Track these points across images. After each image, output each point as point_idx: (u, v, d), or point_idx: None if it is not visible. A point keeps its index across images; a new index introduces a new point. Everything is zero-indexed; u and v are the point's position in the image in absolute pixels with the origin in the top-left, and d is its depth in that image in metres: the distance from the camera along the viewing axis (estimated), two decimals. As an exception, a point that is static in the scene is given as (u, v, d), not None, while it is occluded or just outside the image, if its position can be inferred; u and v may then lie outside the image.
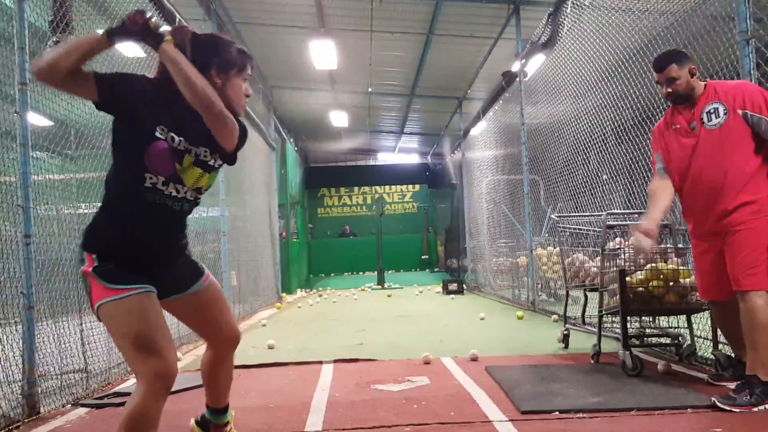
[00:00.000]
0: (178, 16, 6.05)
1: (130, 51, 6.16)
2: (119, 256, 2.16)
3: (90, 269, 2.14)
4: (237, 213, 9.21)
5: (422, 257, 21.14)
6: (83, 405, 3.80)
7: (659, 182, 3.60)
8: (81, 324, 4.42)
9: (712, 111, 3.34)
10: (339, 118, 16.38)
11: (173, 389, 2.29)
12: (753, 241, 3.19)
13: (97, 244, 2.18)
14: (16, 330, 3.59)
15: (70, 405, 3.80)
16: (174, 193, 2.22)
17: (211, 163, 2.31)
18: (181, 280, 2.40)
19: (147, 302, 2.14)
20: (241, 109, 2.36)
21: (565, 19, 6.97)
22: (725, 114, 3.29)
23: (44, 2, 4.13)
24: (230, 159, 2.40)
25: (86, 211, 5.27)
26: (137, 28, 2.12)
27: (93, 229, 2.23)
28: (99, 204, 2.28)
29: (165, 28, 2.20)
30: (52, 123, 4.86)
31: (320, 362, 4.99)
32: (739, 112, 3.25)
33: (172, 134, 2.19)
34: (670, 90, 3.44)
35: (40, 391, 3.59)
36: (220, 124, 2.20)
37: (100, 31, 2.13)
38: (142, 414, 2.06)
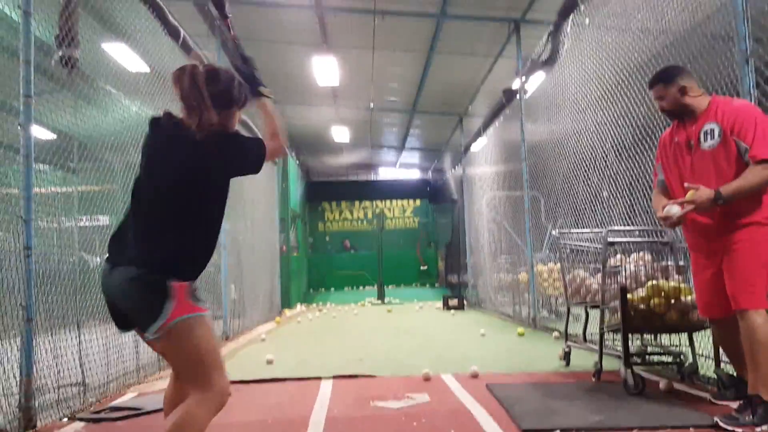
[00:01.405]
0: (182, 32, 6.10)
1: (133, 66, 6.21)
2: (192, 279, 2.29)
3: (179, 284, 2.19)
4: (237, 227, 9.21)
5: (421, 267, 21.07)
6: (80, 419, 3.78)
7: (660, 197, 3.65)
8: (79, 337, 4.41)
9: (708, 131, 3.37)
10: (341, 133, 16.43)
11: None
12: (750, 259, 3.19)
13: (185, 270, 2.25)
14: (14, 343, 3.58)
15: (66, 419, 3.77)
16: None
17: None
18: None
19: (211, 324, 2.31)
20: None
21: (565, 38, 7.01)
22: (720, 136, 3.31)
23: (50, 16, 4.17)
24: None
25: (87, 224, 5.28)
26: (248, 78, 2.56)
27: (182, 257, 2.27)
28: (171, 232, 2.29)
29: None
30: (55, 136, 4.88)
31: (319, 378, 4.96)
32: (732, 137, 3.27)
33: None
34: (660, 106, 3.54)
35: (37, 405, 3.57)
36: (276, 158, 2.70)
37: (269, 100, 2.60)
38: (201, 427, 2.14)
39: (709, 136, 3.35)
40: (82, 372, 4.33)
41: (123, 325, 2.34)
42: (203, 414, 2.14)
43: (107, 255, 2.33)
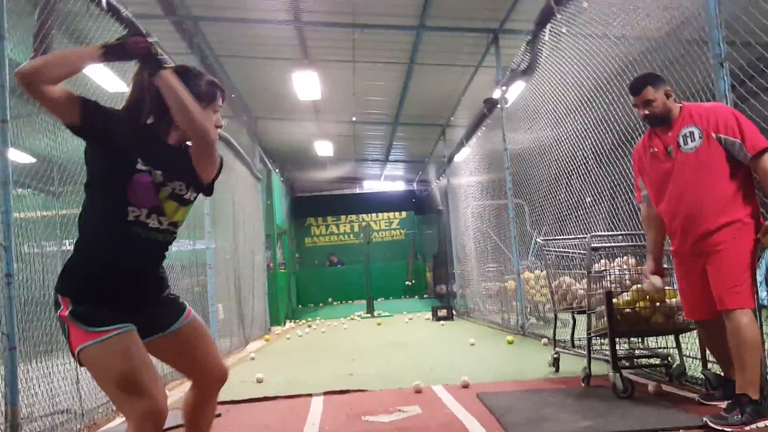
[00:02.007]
0: (159, 49, 6.07)
1: (111, 86, 6.18)
2: (97, 296, 2.12)
3: (66, 313, 2.09)
4: (223, 245, 9.16)
5: (406, 282, 21.05)
6: (68, 446, 3.72)
7: (648, 211, 3.70)
8: (68, 364, 4.35)
9: (687, 134, 3.40)
10: (324, 148, 16.44)
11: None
12: (735, 259, 3.22)
13: (72, 287, 2.14)
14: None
15: (54, 447, 3.71)
16: (156, 225, 2.21)
17: (186, 196, 2.30)
18: (162, 318, 2.31)
19: (129, 341, 2.09)
20: (213, 139, 2.34)
21: (543, 47, 7.09)
22: (701, 137, 3.34)
23: (24, 38, 4.14)
24: (207, 190, 2.40)
25: (71, 247, 5.22)
26: (140, 51, 2.15)
27: (68, 271, 2.18)
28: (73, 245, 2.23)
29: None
30: (34, 160, 4.84)
31: (310, 395, 4.92)
32: (714, 135, 3.30)
33: (150, 167, 2.18)
34: (647, 112, 3.51)
35: (23, 434, 3.51)
36: (209, 154, 2.25)
37: (93, 47, 2.14)
38: None
39: (689, 139, 3.39)
40: (80, 398, 4.27)
41: None
42: None
43: None
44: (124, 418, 4.46)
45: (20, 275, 3.76)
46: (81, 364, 2.11)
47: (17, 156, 4.86)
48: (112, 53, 2.15)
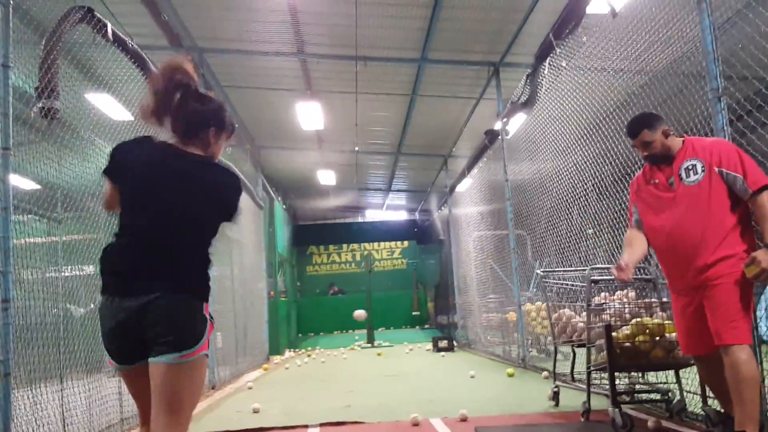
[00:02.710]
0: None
1: (116, 114, 6.25)
2: None
3: (209, 314, 2.25)
4: (224, 273, 9.14)
5: (413, 313, 20.96)
6: (59, 476, 3.67)
7: (634, 232, 3.69)
8: (61, 391, 4.32)
9: (690, 167, 3.41)
10: (327, 177, 16.51)
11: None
12: (732, 294, 3.20)
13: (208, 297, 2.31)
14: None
15: (44, 476, 3.66)
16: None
17: None
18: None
19: None
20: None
21: (543, 80, 7.16)
22: (703, 171, 3.36)
23: (30, 67, 4.20)
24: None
25: (70, 273, 5.23)
26: None
27: (206, 284, 2.32)
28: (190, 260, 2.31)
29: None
30: (38, 186, 4.87)
31: (306, 426, 4.87)
32: (716, 169, 3.32)
33: None
34: (646, 153, 3.54)
35: (14, 463, 3.47)
36: None
37: None
38: None
39: (691, 172, 3.40)
40: (63, 426, 4.22)
41: (129, 357, 2.24)
42: None
43: (118, 285, 2.25)
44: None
45: (19, 301, 3.76)
46: (187, 366, 2.16)
47: (20, 182, 4.90)
48: None
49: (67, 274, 5.23)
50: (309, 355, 13.34)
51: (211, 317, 2.29)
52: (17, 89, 3.96)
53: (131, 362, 2.24)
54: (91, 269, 5.28)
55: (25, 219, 4.63)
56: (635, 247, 3.63)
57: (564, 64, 6.44)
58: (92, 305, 5.12)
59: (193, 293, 2.24)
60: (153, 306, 2.16)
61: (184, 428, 2.15)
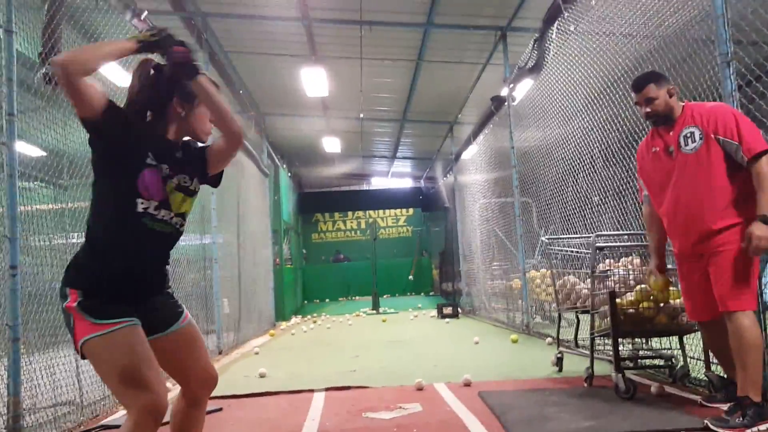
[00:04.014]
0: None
1: (121, 81, 6.19)
2: (106, 290, 2.14)
3: (74, 305, 2.10)
4: (230, 240, 9.18)
5: (409, 277, 21.07)
6: (70, 438, 3.75)
7: (649, 210, 3.72)
8: (73, 355, 4.38)
9: (688, 135, 3.38)
10: (332, 144, 16.46)
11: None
12: (737, 261, 3.20)
13: (82, 280, 2.15)
14: (2, 364, 3.56)
15: (56, 438, 3.74)
16: (164, 217, 2.25)
17: (192, 187, 2.36)
18: (162, 320, 2.31)
19: (134, 335, 2.13)
20: (206, 136, 2.41)
21: (550, 45, 7.06)
22: (701, 139, 3.33)
23: (33, 32, 4.16)
24: (215, 181, 2.51)
25: (78, 240, 5.26)
26: (181, 58, 2.22)
27: (77, 265, 2.20)
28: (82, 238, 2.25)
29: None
30: (45, 153, 4.87)
31: (312, 390, 4.93)
32: (713, 136, 3.29)
33: (158, 162, 2.24)
34: (648, 110, 3.50)
35: (26, 424, 3.54)
36: (235, 152, 2.43)
37: (129, 41, 2.20)
38: None
39: (689, 140, 3.38)
40: (80, 390, 4.30)
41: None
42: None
43: None
44: (125, 411, 4.51)
45: (27, 268, 3.79)
46: (83, 357, 2.13)
47: (27, 149, 4.90)
48: (148, 49, 2.22)
49: (74, 240, 5.27)
50: (315, 322, 13.48)
51: (80, 306, 2.10)
52: (21, 55, 3.93)
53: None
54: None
55: (31, 186, 4.64)
56: (655, 228, 3.73)
57: (572, 29, 6.34)
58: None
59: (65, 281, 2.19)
60: None
61: (127, 403, 2.09)
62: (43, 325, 4.04)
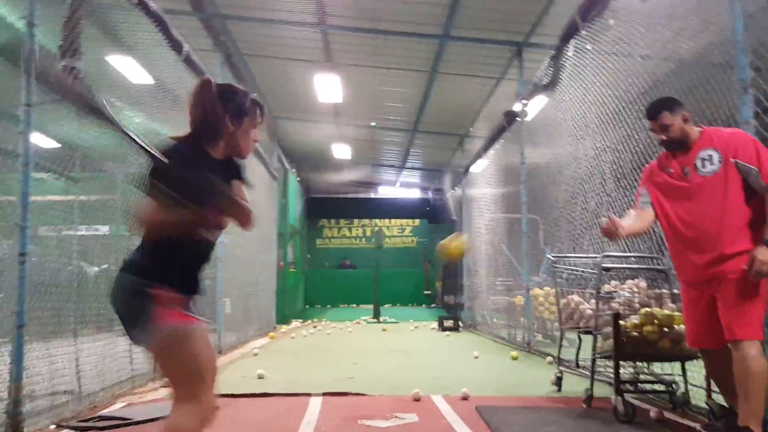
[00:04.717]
0: (186, 47, 6.14)
1: (136, 78, 6.24)
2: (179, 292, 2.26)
3: (162, 292, 2.17)
4: (235, 240, 9.20)
5: (425, 292, 21.08)
6: (68, 427, 3.76)
7: (637, 211, 3.64)
8: (73, 346, 4.40)
9: (706, 158, 3.36)
10: (342, 151, 16.49)
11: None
12: (746, 289, 3.18)
13: (163, 278, 2.22)
14: (6, 349, 3.58)
15: (54, 426, 3.75)
16: (214, 237, 2.41)
17: None
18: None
19: (208, 337, 2.28)
20: (248, 153, 2.48)
21: (566, 62, 7.06)
22: (720, 162, 3.31)
23: (54, 26, 4.21)
24: None
25: (86, 233, 5.29)
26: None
27: (153, 268, 2.23)
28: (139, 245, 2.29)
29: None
30: (59, 145, 4.91)
31: (309, 395, 4.93)
32: (732, 160, 3.28)
33: None
34: (664, 137, 3.49)
35: (26, 411, 3.55)
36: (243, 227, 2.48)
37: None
38: None
39: (707, 162, 3.36)
40: (78, 380, 4.32)
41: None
42: (191, 426, 2.15)
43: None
44: (125, 403, 4.51)
45: (33, 257, 3.81)
46: (158, 343, 2.15)
47: (40, 140, 4.94)
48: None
49: (82, 233, 5.30)
50: (315, 327, 13.46)
51: (186, 307, 2.22)
52: (41, 47, 3.97)
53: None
54: (106, 229, 5.34)
55: (44, 176, 4.68)
56: (634, 218, 3.61)
57: (589, 47, 6.34)
58: (105, 265, 5.19)
59: (136, 272, 2.22)
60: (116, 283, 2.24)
61: (193, 397, 2.16)
62: (46, 314, 4.06)
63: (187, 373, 2.18)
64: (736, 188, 3.26)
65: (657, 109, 3.50)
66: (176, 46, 5.91)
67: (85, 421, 3.91)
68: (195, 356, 2.18)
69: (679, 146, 3.48)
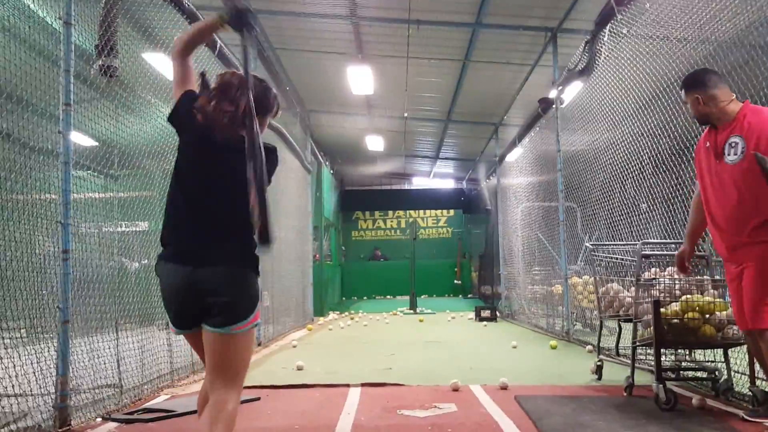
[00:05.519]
0: (219, 41, 6.22)
1: (171, 74, 6.32)
2: None
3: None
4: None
5: (455, 282, 21.03)
6: (113, 420, 3.86)
7: (697, 199, 3.69)
8: (115, 340, 4.51)
9: (732, 144, 3.35)
10: (375, 143, 16.50)
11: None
12: (759, 279, 3.19)
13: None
14: (52, 344, 3.69)
15: (100, 419, 3.86)
16: None
17: None
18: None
19: None
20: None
21: (602, 47, 6.93)
22: (742, 153, 3.28)
23: (90, 25, 4.30)
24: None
25: (126, 229, 5.42)
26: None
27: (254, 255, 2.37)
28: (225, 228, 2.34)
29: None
30: (97, 143, 5.03)
31: (348, 385, 4.97)
32: (752, 152, 3.21)
33: None
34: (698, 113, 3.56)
35: (72, 404, 3.66)
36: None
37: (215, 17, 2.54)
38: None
39: (732, 151, 3.33)
40: (120, 374, 4.43)
41: (188, 323, 2.35)
42: (237, 410, 2.31)
43: (179, 253, 2.32)
44: (168, 395, 4.62)
45: (75, 254, 3.92)
46: (240, 335, 2.28)
47: (80, 139, 5.06)
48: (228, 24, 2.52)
49: (122, 229, 5.42)
50: (352, 318, 13.55)
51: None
52: (78, 47, 4.06)
53: (189, 328, 2.37)
54: (145, 225, 5.45)
55: (83, 174, 4.80)
56: (694, 216, 3.72)
57: (625, 32, 6.21)
58: (146, 260, 5.31)
59: (251, 265, 2.34)
60: (215, 276, 2.25)
61: (238, 389, 2.32)
62: (89, 310, 4.17)
63: (247, 363, 2.36)
64: (756, 180, 3.19)
65: (681, 85, 3.64)
66: (210, 41, 5.97)
67: (131, 413, 4.01)
68: (251, 352, 2.41)
69: (702, 121, 3.53)
